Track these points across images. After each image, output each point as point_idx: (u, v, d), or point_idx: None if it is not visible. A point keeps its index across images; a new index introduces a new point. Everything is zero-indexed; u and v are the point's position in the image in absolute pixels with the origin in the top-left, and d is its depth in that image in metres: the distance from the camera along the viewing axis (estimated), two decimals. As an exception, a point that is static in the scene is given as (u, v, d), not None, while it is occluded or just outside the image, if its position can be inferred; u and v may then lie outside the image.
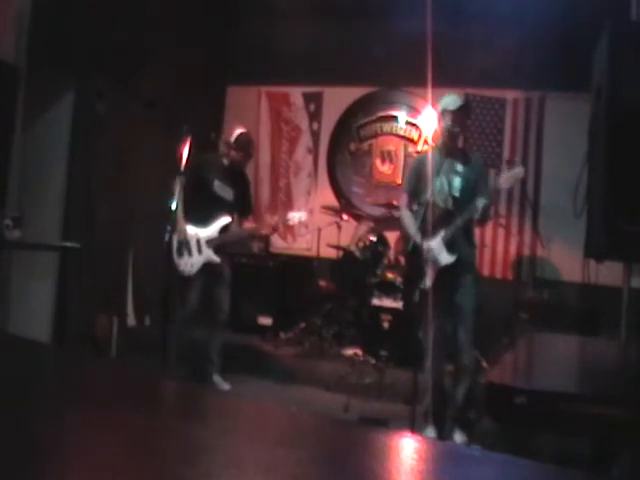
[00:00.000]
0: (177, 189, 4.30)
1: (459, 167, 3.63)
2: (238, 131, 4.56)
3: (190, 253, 4.31)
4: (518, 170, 3.57)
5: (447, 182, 3.61)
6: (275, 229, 4.68)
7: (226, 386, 4.38)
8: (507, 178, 3.51)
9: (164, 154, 4.64)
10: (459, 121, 3.62)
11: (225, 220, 4.44)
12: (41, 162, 4.77)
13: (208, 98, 6.81)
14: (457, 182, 3.60)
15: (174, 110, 5.54)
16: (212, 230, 4.39)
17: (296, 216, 4.48)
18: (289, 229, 6.98)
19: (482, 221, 3.72)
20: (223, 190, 4.46)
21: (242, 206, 4.63)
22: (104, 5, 4.88)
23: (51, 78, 4.69)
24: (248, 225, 4.75)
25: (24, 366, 1.13)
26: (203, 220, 4.38)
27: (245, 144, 4.52)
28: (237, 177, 4.56)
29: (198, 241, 4.33)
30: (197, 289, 4.38)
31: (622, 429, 1.05)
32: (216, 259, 4.36)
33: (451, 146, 3.66)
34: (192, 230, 4.34)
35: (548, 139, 6.00)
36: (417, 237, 3.58)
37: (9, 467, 0.64)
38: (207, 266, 4.35)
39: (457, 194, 3.59)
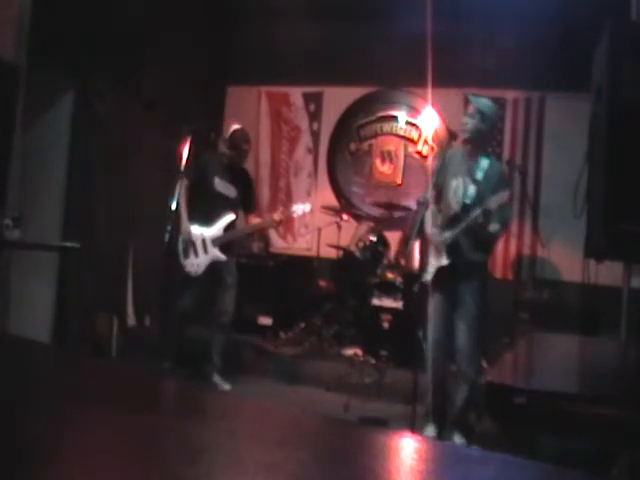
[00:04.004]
0: (178, 190, 4.32)
1: (479, 174, 3.57)
2: (232, 128, 4.56)
3: (196, 253, 4.32)
4: (503, 194, 3.47)
5: (463, 186, 3.59)
6: (279, 222, 4.60)
7: (226, 386, 4.38)
8: (493, 201, 3.42)
9: (164, 154, 4.63)
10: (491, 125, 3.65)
11: (229, 218, 4.44)
12: (41, 162, 4.77)
13: (208, 98, 6.81)
14: (471, 189, 3.56)
15: (174, 110, 5.55)
16: (217, 229, 4.38)
17: (300, 207, 4.50)
18: (289, 229, 6.98)
19: (484, 235, 3.53)
20: (225, 188, 4.45)
21: (245, 202, 4.61)
22: (104, 5, 4.88)
23: (51, 78, 4.69)
24: (253, 221, 4.73)
25: (24, 366, 1.13)
26: (207, 219, 4.38)
27: (238, 140, 4.50)
28: (238, 174, 4.55)
29: (203, 241, 4.33)
30: (200, 289, 4.37)
31: (622, 429, 1.05)
32: (222, 257, 4.37)
33: (477, 149, 3.63)
34: (197, 230, 4.33)
35: (548, 139, 6.00)
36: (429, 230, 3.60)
37: (9, 467, 0.64)
38: (213, 266, 4.34)
39: (468, 201, 3.56)
